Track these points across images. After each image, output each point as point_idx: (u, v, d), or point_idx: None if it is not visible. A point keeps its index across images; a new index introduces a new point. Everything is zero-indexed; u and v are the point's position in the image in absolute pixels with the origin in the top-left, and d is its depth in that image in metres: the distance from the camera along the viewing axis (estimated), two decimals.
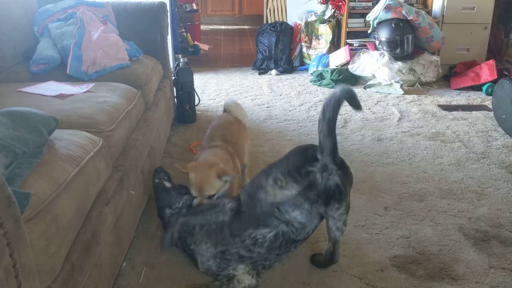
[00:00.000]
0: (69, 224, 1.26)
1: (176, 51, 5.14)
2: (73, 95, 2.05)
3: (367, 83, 4.43)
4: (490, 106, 3.65)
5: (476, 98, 4.16)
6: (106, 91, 2.13)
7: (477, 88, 4.35)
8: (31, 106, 1.57)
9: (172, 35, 4.86)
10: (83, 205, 1.39)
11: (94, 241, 1.41)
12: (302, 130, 3.37)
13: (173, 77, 3.42)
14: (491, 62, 4.41)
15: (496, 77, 4.19)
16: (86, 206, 1.42)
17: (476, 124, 3.47)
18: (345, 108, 3.80)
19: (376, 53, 4.56)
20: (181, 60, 4.57)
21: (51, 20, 2.71)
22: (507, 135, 3.21)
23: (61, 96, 2.02)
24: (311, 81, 4.69)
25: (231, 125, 2.38)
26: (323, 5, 5.13)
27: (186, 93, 3.44)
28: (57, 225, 1.18)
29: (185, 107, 3.45)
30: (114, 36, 2.69)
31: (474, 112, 3.74)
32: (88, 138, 1.58)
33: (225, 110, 2.54)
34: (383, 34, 4.48)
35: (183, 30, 6.07)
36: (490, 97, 3.70)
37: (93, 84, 2.23)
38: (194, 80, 3.58)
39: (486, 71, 4.35)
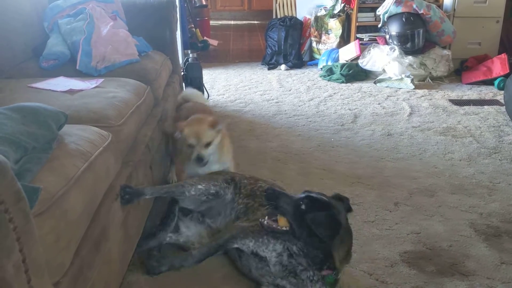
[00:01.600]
0: (78, 219, 1.26)
1: (185, 46, 5.13)
2: (82, 90, 2.06)
3: (377, 78, 4.40)
4: (502, 101, 3.61)
5: (487, 92, 4.11)
6: (116, 87, 2.13)
7: (489, 82, 4.30)
8: (41, 101, 1.57)
9: (182, 31, 4.85)
10: (93, 201, 1.39)
11: (103, 237, 1.42)
12: (311, 125, 3.36)
13: (182, 73, 3.42)
14: (503, 56, 4.36)
15: (508, 71, 4.14)
16: (95, 202, 1.42)
17: (488, 119, 3.43)
18: (355, 103, 3.80)
19: (387, 47, 4.52)
20: (190, 55, 4.58)
21: (61, 16, 2.72)
22: None
23: (70, 92, 2.03)
24: (320, 76, 4.67)
25: (205, 106, 2.55)
26: (333, 0, 5.10)
27: (195, 88, 3.44)
28: (66, 221, 1.19)
29: None
30: (124, 31, 2.69)
31: (485, 107, 3.70)
32: (97, 133, 1.59)
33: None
34: (394, 28, 4.45)
35: (193, 25, 6.07)
36: (502, 92, 3.65)
37: (103, 79, 2.23)
38: (203, 76, 3.59)
39: (498, 65, 4.30)
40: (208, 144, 2.02)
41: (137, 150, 1.91)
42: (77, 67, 2.40)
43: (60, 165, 1.29)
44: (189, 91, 2.74)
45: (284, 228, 1.57)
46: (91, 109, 1.82)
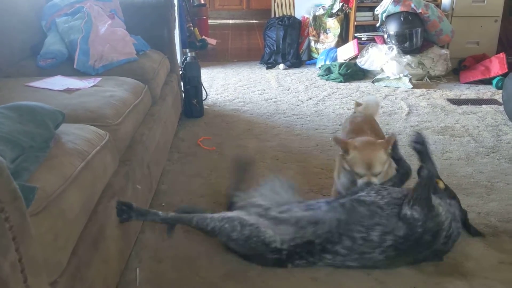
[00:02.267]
0: (76, 218, 1.26)
1: (183, 45, 5.13)
2: (80, 89, 2.05)
3: (376, 77, 4.39)
4: (500, 100, 3.61)
5: (486, 92, 4.11)
6: (113, 86, 2.13)
7: (487, 82, 4.30)
8: (38, 100, 1.57)
9: (180, 30, 4.85)
10: (90, 199, 1.39)
11: (100, 236, 1.41)
12: (310, 124, 3.36)
13: (180, 72, 3.42)
14: (502, 55, 4.36)
15: (506, 70, 4.14)
16: (92, 200, 1.42)
17: (486, 118, 3.43)
18: (353, 103, 3.79)
19: (385, 46, 4.52)
20: (189, 54, 4.57)
21: (59, 14, 2.71)
22: None
23: (68, 91, 2.02)
24: (319, 75, 4.66)
25: (373, 121, 2.36)
26: None
27: (194, 87, 3.44)
28: (64, 219, 1.18)
29: (192, 102, 3.45)
30: (122, 30, 2.69)
31: (483, 106, 3.70)
32: (94, 132, 1.58)
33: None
34: (392, 28, 4.45)
35: (191, 24, 6.06)
36: (500, 91, 3.65)
37: (100, 78, 2.23)
38: (202, 75, 3.58)
39: (496, 65, 4.30)
40: (379, 173, 1.86)
41: (134, 149, 1.91)
42: (75, 66, 2.40)
43: (57, 164, 1.29)
44: (370, 101, 2.48)
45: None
46: (89, 108, 1.81)
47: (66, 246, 1.19)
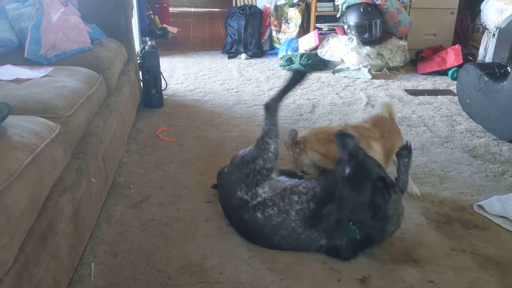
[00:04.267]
0: (21, 215, 1.21)
1: (143, 34, 5.04)
2: (30, 79, 1.98)
3: (336, 68, 4.44)
4: (455, 91, 3.71)
5: (442, 82, 4.22)
6: (66, 76, 2.06)
7: (443, 72, 4.41)
8: None
9: (139, 18, 4.75)
10: (38, 195, 1.34)
11: (50, 232, 1.37)
12: None
13: (138, 61, 3.34)
14: (457, 47, 4.48)
15: (461, 62, 4.26)
16: (41, 196, 1.37)
17: (441, 108, 3.52)
18: (314, 93, 3.82)
19: (345, 37, 4.57)
20: (148, 43, 4.48)
21: (8, 1, 2.60)
22: (471, 120, 3.27)
23: (17, 81, 1.94)
24: (280, 66, 4.67)
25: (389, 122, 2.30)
26: None
27: (153, 77, 3.37)
28: (8, 216, 1.14)
29: (151, 92, 3.39)
30: (75, 18, 2.60)
31: (439, 97, 3.80)
32: (44, 125, 1.53)
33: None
34: (352, 19, 4.49)
35: (151, 12, 5.95)
36: (455, 82, 3.75)
37: (52, 68, 2.15)
38: (162, 64, 3.52)
39: (452, 56, 4.42)
40: None
41: (88, 141, 1.86)
42: (25, 55, 2.32)
43: (1, 158, 1.23)
44: (385, 104, 2.38)
45: None
46: (39, 99, 1.75)
47: (11, 244, 1.15)
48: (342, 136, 1.79)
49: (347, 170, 1.70)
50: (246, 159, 1.85)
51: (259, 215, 1.81)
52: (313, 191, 1.81)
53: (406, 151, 1.92)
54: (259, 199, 1.82)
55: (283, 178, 1.96)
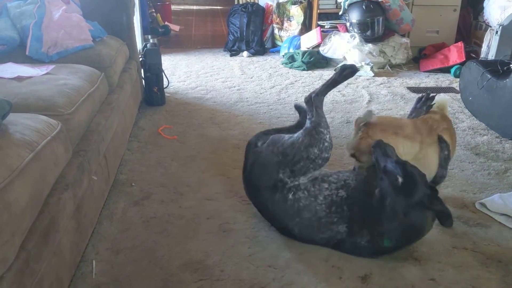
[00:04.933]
0: (23, 211, 1.21)
1: (145, 31, 5.04)
2: (31, 77, 1.98)
3: (338, 65, 4.43)
4: (458, 88, 3.70)
5: (444, 80, 4.21)
6: (67, 73, 2.06)
7: (446, 70, 4.40)
8: None
9: (141, 15, 4.76)
10: (39, 192, 1.34)
11: (52, 228, 1.37)
12: (272, 113, 3.36)
13: (140, 59, 3.35)
14: (460, 44, 4.47)
15: (464, 59, 4.25)
16: (42, 193, 1.37)
17: None
18: None
19: (347, 35, 4.56)
20: (150, 41, 4.48)
21: None
22: (473, 117, 3.26)
23: (18, 79, 1.95)
24: (282, 63, 4.66)
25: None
26: None
27: (154, 75, 3.38)
28: (9, 213, 1.14)
29: (153, 90, 3.39)
30: (77, 16, 2.61)
31: (442, 94, 3.79)
32: (45, 122, 1.53)
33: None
34: (354, 16, 4.48)
35: (153, 10, 5.95)
36: (458, 79, 3.74)
37: (54, 66, 2.16)
38: (164, 62, 3.52)
39: (455, 53, 4.40)
40: None
41: (89, 139, 1.86)
42: (27, 53, 2.32)
43: (3, 155, 1.24)
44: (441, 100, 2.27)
45: None
46: (40, 97, 1.75)
47: (12, 241, 1.15)
48: (381, 145, 1.78)
49: (400, 179, 1.68)
50: (297, 146, 1.84)
51: (290, 196, 1.82)
52: (344, 182, 1.82)
53: (444, 143, 1.90)
54: (296, 183, 1.83)
55: None
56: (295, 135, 1.89)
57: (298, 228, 1.84)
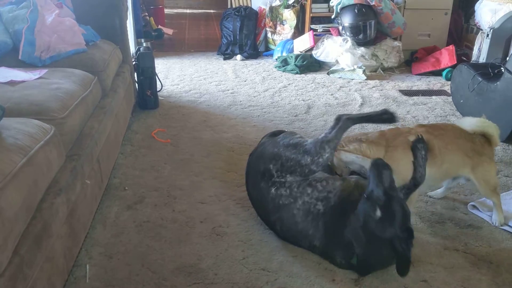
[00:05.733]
0: (15, 216, 1.21)
1: (138, 35, 5.02)
2: (24, 81, 1.98)
3: (331, 69, 4.45)
4: (449, 91, 3.73)
5: (436, 83, 4.24)
6: (60, 77, 2.06)
7: (437, 73, 4.44)
8: None
9: (134, 19, 4.74)
10: (32, 197, 1.34)
11: (45, 233, 1.37)
12: (266, 116, 3.37)
13: (133, 62, 3.35)
14: (451, 47, 4.50)
15: (455, 62, 4.28)
16: (35, 198, 1.37)
17: (435, 109, 3.54)
18: (309, 94, 3.83)
19: (340, 38, 4.58)
20: (144, 44, 4.48)
21: (3, 3, 2.59)
22: None
23: (11, 83, 1.94)
24: (275, 67, 4.68)
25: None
26: None
27: (148, 78, 3.38)
28: (2, 218, 1.14)
29: (146, 93, 3.39)
30: (70, 20, 2.60)
31: (433, 97, 3.82)
32: (38, 127, 1.53)
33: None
34: (346, 20, 4.50)
35: (146, 13, 5.94)
36: (449, 82, 3.77)
37: (47, 70, 2.15)
38: (157, 65, 3.53)
39: (446, 57, 4.44)
40: None
41: (82, 143, 1.86)
42: (20, 57, 2.32)
43: None
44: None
45: None
46: (33, 101, 1.75)
47: (5, 246, 1.15)
48: (379, 167, 1.66)
49: (378, 214, 1.61)
50: (298, 147, 1.88)
51: (272, 190, 1.86)
52: (327, 194, 1.80)
53: (421, 143, 1.91)
54: (282, 179, 1.86)
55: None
56: (306, 139, 1.94)
57: (279, 225, 1.88)
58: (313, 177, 1.87)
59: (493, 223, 2.08)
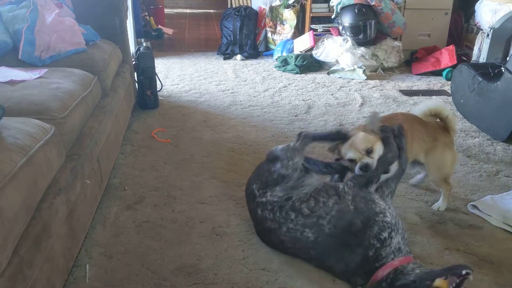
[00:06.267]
0: (15, 216, 1.21)
1: (138, 35, 5.03)
2: (24, 81, 1.97)
3: (331, 69, 4.45)
4: (449, 91, 3.73)
5: (436, 83, 4.24)
6: (60, 77, 2.06)
7: (438, 73, 4.43)
8: None
9: (134, 19, 4.74)
10: (32, 196, 1.34)
11: (44, 234, 1.36)
12: (266, 116, 3.37)
13: (133, 62, 3.34)
14: (451, 47, 4.50)
15: (455, 62, 4.28)
16: (35, 197, 1.37)
17: None
18: (309, 94, 3.83)
19: (340, 38, 4.58)
20: (144, 44, 4.48)
21: (3, 3, 2.59)
22: (465, 120, 3.29)
23: (11, 83, 1.94)
24: (275, 67, 4.68)
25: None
26: None
27: (147, 78, 3.38)
28: (1, 218, 1.14)
29: (146, 93, 3.39)
30: (70, 19, 2.60)
31: (434, 97, 3.82)
32: (38, 126, 1.52)
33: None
34: (347, 19, 4.50)
35: (146, 13, 5.94)
36: (450, 82, 3.77)
37: (47, 69, 2.15)
38: (157, 65, 3.52)
39: (446, 57, 4.44)
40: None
41: (82, 143, 1.85)
42: (20, 57, 2.31)
43: None
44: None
45: None
46: (33, 101, 1.75)
47: (4, 246, 1.14)
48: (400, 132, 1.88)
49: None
50: (271, 157, 1.92)
51: (259, 211, 1.84)
52: (317, 220, 1.68)
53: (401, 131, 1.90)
54: (263, 199, 1.83)
55: (309, 178, 1.90)
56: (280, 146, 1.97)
57: (273, 245, 1.85)
58: (297, 196, 1.78)
59: (433, 207, 2.17)
